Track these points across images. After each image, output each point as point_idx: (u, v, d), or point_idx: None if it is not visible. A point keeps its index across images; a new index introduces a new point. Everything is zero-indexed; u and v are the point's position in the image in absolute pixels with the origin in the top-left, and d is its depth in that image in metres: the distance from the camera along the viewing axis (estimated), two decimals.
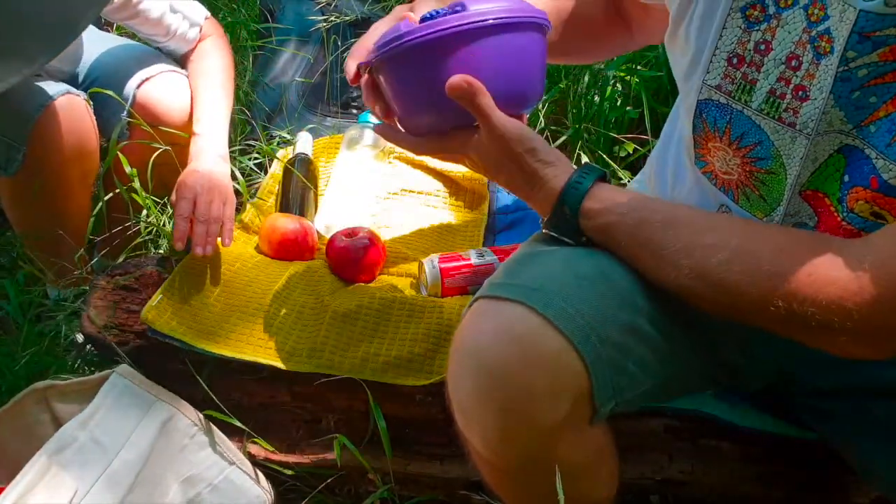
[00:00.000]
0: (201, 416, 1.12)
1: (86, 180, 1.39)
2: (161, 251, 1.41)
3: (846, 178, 0.75)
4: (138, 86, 1.37)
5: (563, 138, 1.70)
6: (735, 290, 0.71)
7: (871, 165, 0.72)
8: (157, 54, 1.46)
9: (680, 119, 0.91)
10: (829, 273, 0.66)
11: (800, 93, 0.75)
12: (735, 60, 0.78)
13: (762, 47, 0.76)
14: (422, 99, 0.85)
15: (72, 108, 1.30)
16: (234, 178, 1.52)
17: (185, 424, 1.10)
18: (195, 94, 1.41)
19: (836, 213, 0.76)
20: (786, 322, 0.69)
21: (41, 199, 1.34)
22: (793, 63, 0.75)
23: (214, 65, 1.44)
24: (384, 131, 0.90)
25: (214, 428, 1.12)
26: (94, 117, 1.34)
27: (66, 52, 1.38)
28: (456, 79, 0.78)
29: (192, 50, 1.45)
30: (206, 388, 1.11)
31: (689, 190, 0.92)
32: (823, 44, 0.72)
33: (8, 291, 1.45)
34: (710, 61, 0.80)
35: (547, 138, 1.70)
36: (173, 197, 1.21)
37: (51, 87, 1.30)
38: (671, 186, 0.96)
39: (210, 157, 1.29)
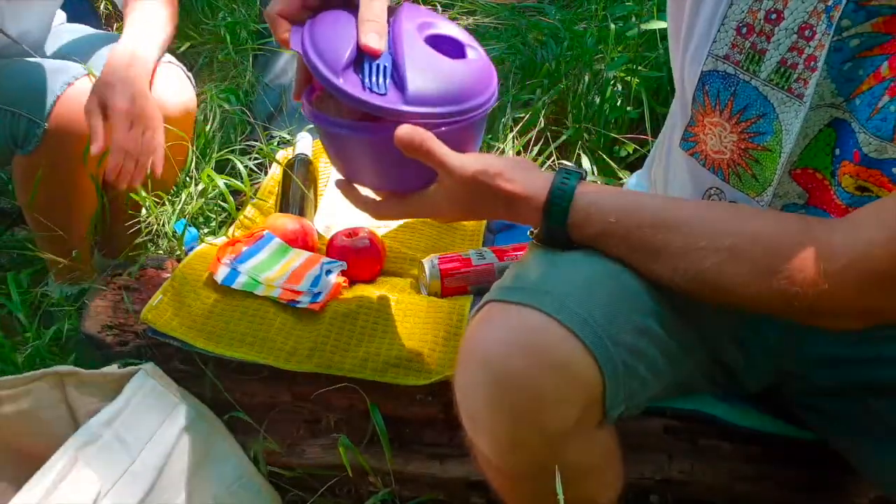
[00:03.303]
0: (220, 421, 1.12)
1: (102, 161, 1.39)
2: (161, 251, 1.41)
3: (837, 151, 0.75)
4: None
5: (563, 138, 1.70)
6: (730, 289, 0.72)
7: (855, 139, 0.72)
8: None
9: (675, 96, 0.90)
10: (818, 267, 0.68)
11: (811, 63, 0.74)
12: (744, 30, 0.77)
13: (773, 16, 0.75)
14: (367, 166, 0.89)
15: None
16: (236, 177, 1.53)
17: (204, 429, 1.10)
18: (129, 12, 1.34)
19: (830, 188, 0.76)
20: (781, 311, 0.73)
21: (55, 179, 1.33)
22: (806, 33, 0.73)
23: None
24: (347, 193, 0.92)
25: (230, 435, 1.12)
26: None
27: (29, 34, 1.38)
28: (405, 132, 0.78)
29: None
30: (214, 379, 1.12)
31: (682, 172, 0.91)
32: (837, 14, 0.71)
33: (10, 289, 1.45)
34: (719, 30, 0.78)
35: (547, 138, 1.70)
36: (97, 109, 1.18)
37: (73, 67, 1.31)
38: (666, 169, 0.97)
39: (139, 66, 1.23)
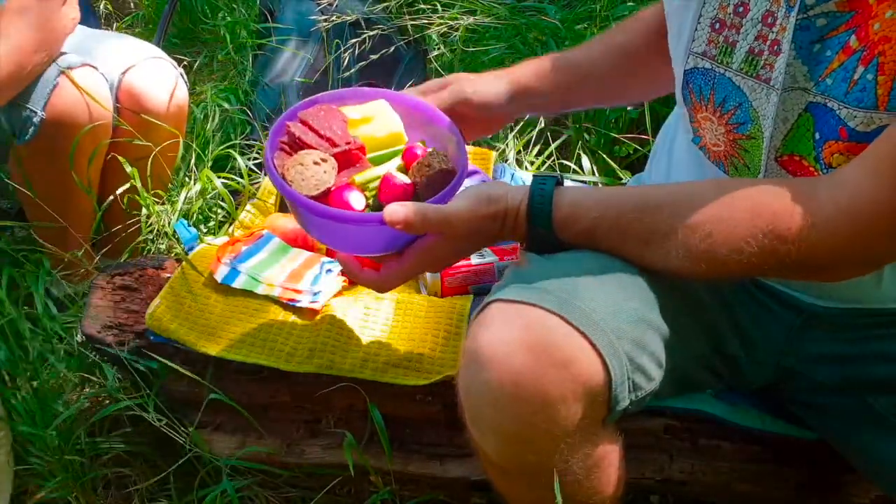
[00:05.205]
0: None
1: (98, 152, 1.39)
2: (161, 251, 1.41)
3: (817, 135, 0.76)
4: (123, 72, 1.37)
5: (563, 138, 1.70)
6: (723, 258, 0.73)
7: (836, 117, 0.73)
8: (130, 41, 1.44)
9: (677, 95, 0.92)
10: (805, 221, 0.70)
11: (775, 47, 0.76)
12: (717, 25, 0.80)
13: (741, 9, 0.79)
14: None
15: (88, 78, 1.31)
16: (237, 175, 1.53)
17: None
18: None
19: (816, 173, 0.77)
20: (777, 271, 0.75)
21: (53, 169, 1.34)
22: (769, 20, 0.76)
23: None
24: (349, 269, 0.93)
25: None
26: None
27: None
28: (393, 215, 0.79)
29: None
30: (210, 386, 1.12)
31: (685, 166, 0.92)
32: None
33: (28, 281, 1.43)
34: (695, 29, 0.82)
35: (547, 138, 1.70)
36: None
37: (68, 58, 1.32)
38: (668, 162, 0.97)
39: None
